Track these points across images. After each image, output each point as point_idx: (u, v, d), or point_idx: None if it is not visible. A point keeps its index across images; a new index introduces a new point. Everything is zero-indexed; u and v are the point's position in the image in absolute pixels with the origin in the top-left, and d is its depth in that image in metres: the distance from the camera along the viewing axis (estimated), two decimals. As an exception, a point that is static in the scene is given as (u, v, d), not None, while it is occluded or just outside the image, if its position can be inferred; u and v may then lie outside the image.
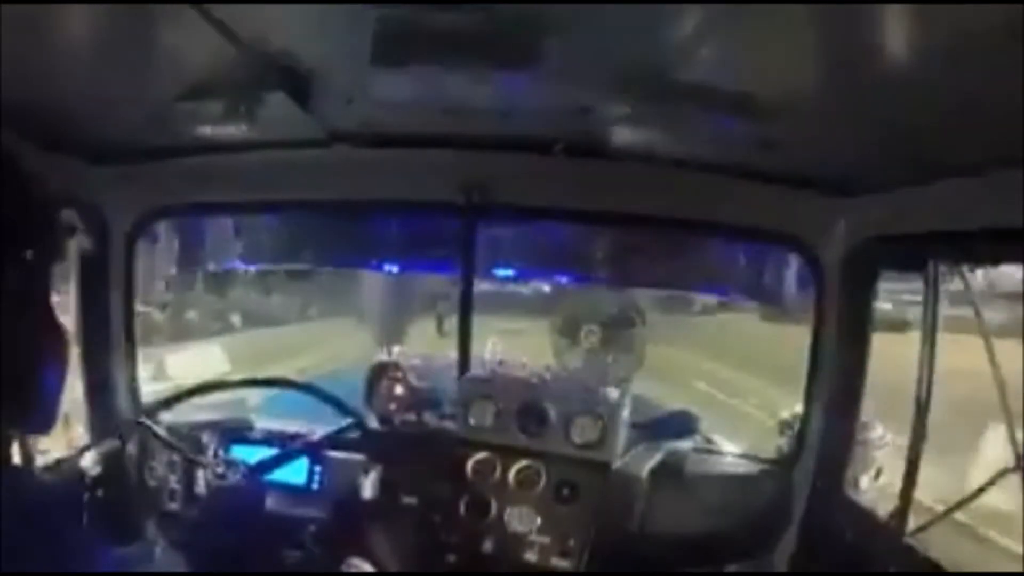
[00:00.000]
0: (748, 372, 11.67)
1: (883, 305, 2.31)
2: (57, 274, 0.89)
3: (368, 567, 1.98)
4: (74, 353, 2.51)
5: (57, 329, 0.88)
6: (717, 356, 13.23)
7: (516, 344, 2.76)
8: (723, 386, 11.21)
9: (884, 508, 2.10)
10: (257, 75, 1.43)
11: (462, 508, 2.34)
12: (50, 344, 0.87)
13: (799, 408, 2.41)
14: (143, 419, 2.23)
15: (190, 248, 3.08)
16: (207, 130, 1.77)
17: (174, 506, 2.33)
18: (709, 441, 2.66)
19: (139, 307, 2.66)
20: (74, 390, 2.53)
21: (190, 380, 2.74)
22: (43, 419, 0.89)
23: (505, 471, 2.34)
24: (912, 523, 1.98)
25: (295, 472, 2.25)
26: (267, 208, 2.79)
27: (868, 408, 2.28)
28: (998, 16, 0.89)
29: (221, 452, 2.11)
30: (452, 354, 2.60)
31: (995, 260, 1.88)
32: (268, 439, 2.31)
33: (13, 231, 0.79)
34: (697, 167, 2.18)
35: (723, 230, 2.54)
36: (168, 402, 2.28)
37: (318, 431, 2.27)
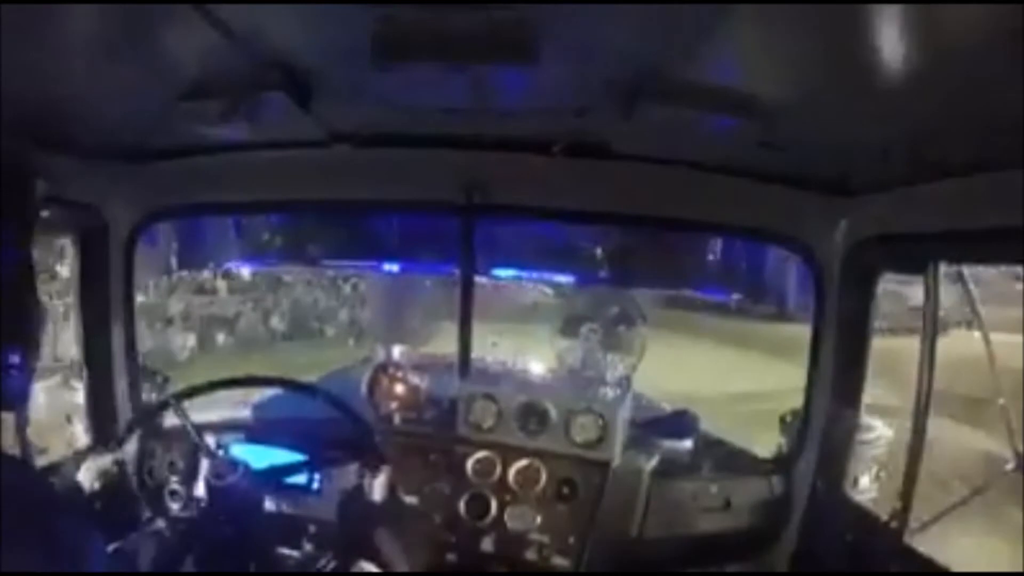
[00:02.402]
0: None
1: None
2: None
3: (369, 567, 1.98)
4: (74, 352, 2.52)
5: (33, 305, 0.90)
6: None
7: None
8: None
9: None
10: (257, 75, 1.43)
11: (462, 508, 2.34)
12: (25, 318, 0.89)
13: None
14: (143, 419, 2.23)
15: (188, 248, 3.08)
16: (207, 130, 1.77)
17: (174, 506, 2.33)
18: (709, 440, 2.66)
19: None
20: (75, 391, 2.53)
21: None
22: (16, 394, 0.90)
23: (505, 470, 2.35)
24: (912, 523, 1.98)
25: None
26: (267, 208, 2.80)
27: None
28: (998, 16, 0.89)
29: (221, 452, 2.11)
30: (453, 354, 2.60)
31: (995, 260, 1.88)
32: (268, 439, 2.31)
33: None
34: (697, 167, 2.18)
35: (723, 230, 2.54)
36: (168, 402, 2.28)
37: (318, 431, 2.27)
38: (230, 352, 10.68)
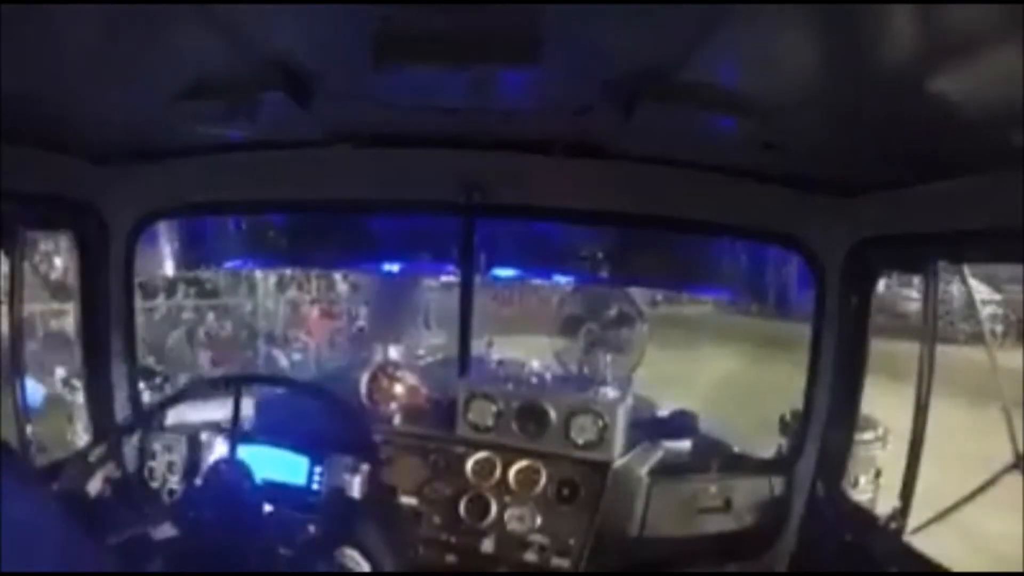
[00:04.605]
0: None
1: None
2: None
3: (367, 567, 1.97)
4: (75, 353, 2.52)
5: None
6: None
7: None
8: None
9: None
10: (257, 75, 1.43)
11: (462, 508, 2.34)
12: None
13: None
14: (143, 419, 2.22)
15: (189, 248, 3.08)
16: (207, 130, 1.77)
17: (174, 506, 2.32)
18: (709, 441, 2.66)
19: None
20: (75, 390, 2.53)
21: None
22: None
23: (505, 471, 2.35)
24: (912, 523, 1.98)
25: (295, 472, 2.25)
26: (267, 208, 2.79)
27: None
28: (998, 16, 0.89)
29: (221, 452, 2.11)
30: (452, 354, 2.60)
31: (995, 260, 1.88)
32: (268, 439, 2.31)
33: None
34: (697, 167, 2.18)
35: (723, 230, 2.54)
36: (168, 402, 2.28)
37: (318, 431, 2.27)
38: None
